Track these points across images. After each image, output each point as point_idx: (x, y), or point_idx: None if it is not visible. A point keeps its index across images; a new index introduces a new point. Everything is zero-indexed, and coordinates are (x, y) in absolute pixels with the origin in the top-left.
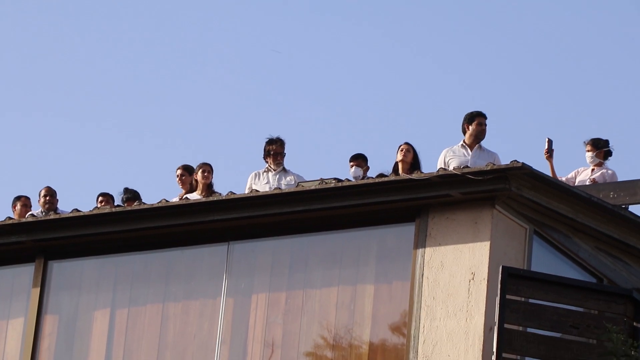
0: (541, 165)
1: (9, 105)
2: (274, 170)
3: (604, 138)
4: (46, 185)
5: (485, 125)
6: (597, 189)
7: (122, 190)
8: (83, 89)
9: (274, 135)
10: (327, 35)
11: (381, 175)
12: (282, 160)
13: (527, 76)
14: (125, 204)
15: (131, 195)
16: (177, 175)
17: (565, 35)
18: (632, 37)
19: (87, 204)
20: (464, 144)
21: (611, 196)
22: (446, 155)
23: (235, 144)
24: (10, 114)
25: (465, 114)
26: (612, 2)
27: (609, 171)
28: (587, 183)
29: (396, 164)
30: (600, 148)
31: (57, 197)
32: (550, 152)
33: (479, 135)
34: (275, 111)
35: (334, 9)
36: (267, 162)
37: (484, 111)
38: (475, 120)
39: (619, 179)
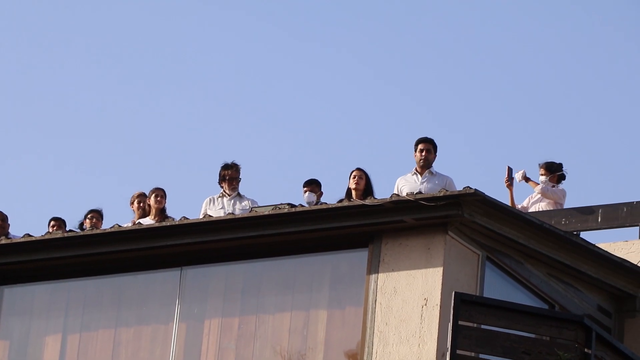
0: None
1: None
2: (229, 195)
3: (558, 162)
4: None
5: (430, 150)
6: (549, 215)
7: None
8: (36, 111)
9: (229, 161)
10: (281, 59)
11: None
12: (237, 185)
13: (490, 101)
14: (91, 223)
15: (96, 214)
16: (131, 202)
17: (530, 56)
18: (589, 63)
19: (39, 229)
20: (415, 171)
21: (563, 222)
22: (399, 183)
23: (189, 168)
24: None
25: None
26: (560, 36)
27: (556, 186)
28: (537, 200)
29: (349, 189)
30: (554, 172)
31: (9, 222)
32: (510, 180)
33: (422, 162)
34: (230, 136)
35: (288, 34)
36: (222, 187)
37: (439, 135)
38: (418, 147)
39: (573, 205)
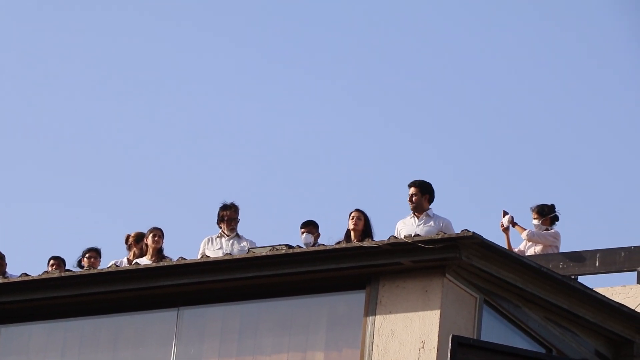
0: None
1: None
2: (227, 235)
3: (549, 203)
4: None
5: (417, 194)
6: (546, 259)
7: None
8: (32, 150)
9: (228, 201)
10: (281, 98)
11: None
12: (236, 225)
13: (488, 143)
14: (89, 262)
15: (94, 253)
16: (125, 241)
17: (527, 98)
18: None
19: (38, 267)
20: (413, 214)
21: (560, 266)
22: (398, 227)
23: (187, 208)
24: None
25: None
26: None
27: (549, 229)
28: (531, 244)
29: (348, 231)
30: (546, 215)
31: (6, 261)
32: (507, 225)
33: (412, 206)
34: (228, 176)
35: (287, 69)
36: (220, 227)
37: (439, 177)
38: (409, 191)
39: (570, 249)
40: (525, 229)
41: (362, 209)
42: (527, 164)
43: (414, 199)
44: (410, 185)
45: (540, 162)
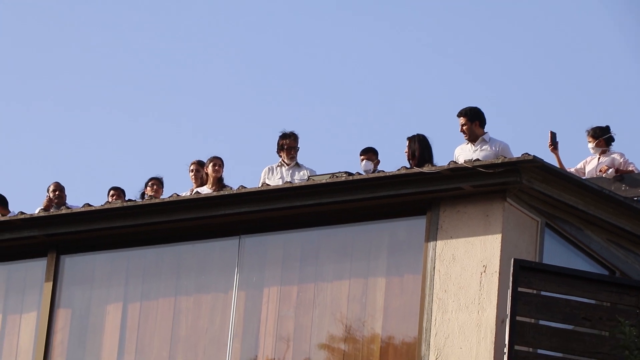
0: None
1: (19, 99)
2: (287, 164)
3: (604, 125)
4: (55, 181)
5: (465, 123)
6: (608, 182)
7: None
8: (94, 80)
9: (288, 130)
10: (338, 28)
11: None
12: (296, 154)
13: (529, 68)
14: (152, 191)
15: (157, 182)
16: (191, 170)
17: (563, 23)
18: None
19: (97, 199)
20: (468, 141)
21: (623, 189)
22: (456, 153)
23: (246, 138)
24: (20, 108)
25: None
26: None
27: (619, 158)
28: (596, 174)
29: (409, 155)
30: (600, 137)
31: (66, 193)
32: (554, 145)
33: (465, 135)
34: (287, 106)
35: (341, 4)
36: (280, 156)
37: (485, 104)
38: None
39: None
40: (607, 167)
41: (421, 134)
42: (574, 84)
43: (464, 128)
44: (458, 116)
45: (593, 80)
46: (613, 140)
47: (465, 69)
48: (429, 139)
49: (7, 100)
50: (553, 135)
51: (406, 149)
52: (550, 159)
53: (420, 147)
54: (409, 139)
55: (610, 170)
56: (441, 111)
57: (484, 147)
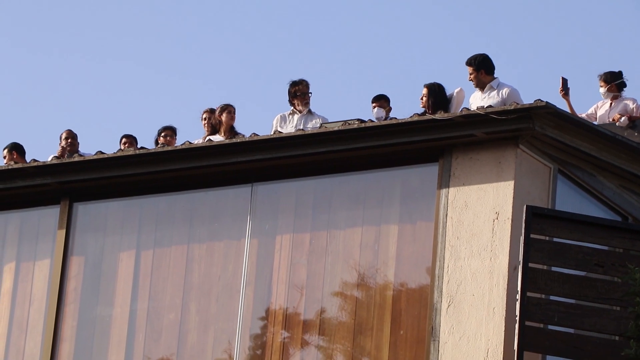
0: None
1: (33, 49)
2: (300, 112)
3: (617, 70)
4: (67, 129)
5: (471, 72)
6: (620, 129)
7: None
8: (104, 27)
9: (297, 78)
10: None
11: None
12: (309, 100)
13: (539, 14)
14: (165, 140)
15: (170, 131)
16: (204, 119)
17: None
18: None
19: (109, 147)
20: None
21: (636, 135)
22: (470, 99)
23: (257, 86)
24: (31, 56)
25: None
26: None
27: (631, 104)
28: (608, 120)
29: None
30: (612, 81)
31: (78, 140)
32: (565, 90)
33: (473, 84)
34: (298, 54)
35: None
36: (293, 104)
37: (492, 52)
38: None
39: None
40: (621, 115)
41: (437, 83)
42: (582, 28)
43: (471, 77)
44: (466, 64)
45: (601, 24)
46: (625, 85)
47: (478, 14)
48: (444, 88)
49: (21, 50)
50: (564, 81)
51: (422, 96)
52: (561, 104)
53: (435, 95)
54: (426, 86)
55: (623, 118)
56: (452, 58)
57: (491, 94)
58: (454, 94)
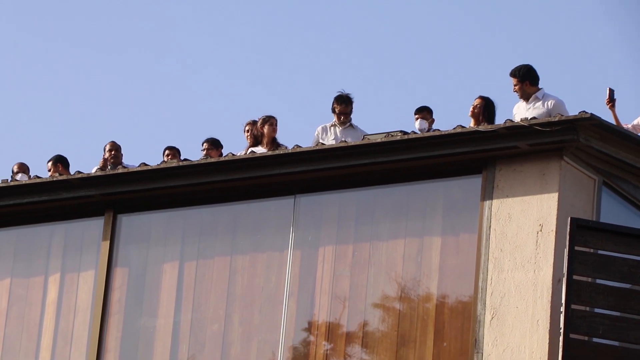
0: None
1: (75, 62)
2: (342, 125)
3: None
4: (111, 140)
5: (515, 83)
6: None
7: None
8: (145, 42)
9: (344, 92)
10: None
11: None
12: (347, 119)
13: (586, 24)
14: (207, 153)
15: (212, 144)
16: (246, 130)
17: None
18: None
19: (152, 158)
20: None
21: None
22: (514, 111)
23: (301, 97)
24: (78, 70)
25: None
26: None
27: None
28: None
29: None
30: None
31: (122, 152)
32: (612, 102)
33: (518, 95)
34: (342, 65)
35: None
36: (334, 115)
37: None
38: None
39: None
40: None
41: (487, 97)
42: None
43: (516, 88)
44: (510, 76)
45: None
46: None
47: (522, 27)
48: (494, 103)
49: (65, 62)
50: (611, 92)
51: (474, 107)
52: (606, 115)
53: (490, 108)
54: (481, 97)
55: None
56: (496, 70)
57: (536, 105)
58: None
